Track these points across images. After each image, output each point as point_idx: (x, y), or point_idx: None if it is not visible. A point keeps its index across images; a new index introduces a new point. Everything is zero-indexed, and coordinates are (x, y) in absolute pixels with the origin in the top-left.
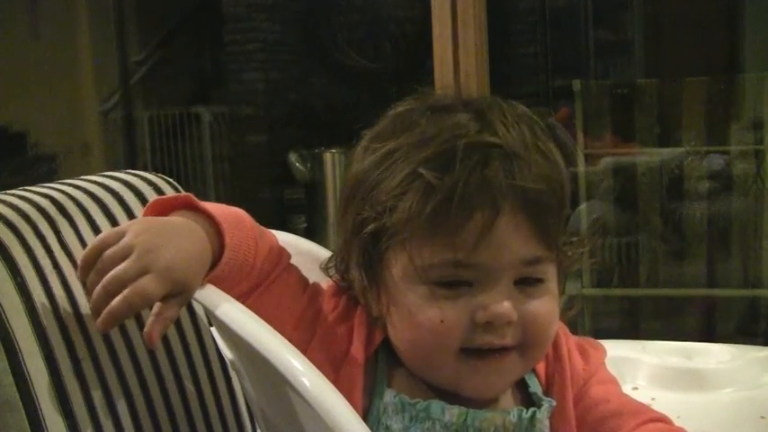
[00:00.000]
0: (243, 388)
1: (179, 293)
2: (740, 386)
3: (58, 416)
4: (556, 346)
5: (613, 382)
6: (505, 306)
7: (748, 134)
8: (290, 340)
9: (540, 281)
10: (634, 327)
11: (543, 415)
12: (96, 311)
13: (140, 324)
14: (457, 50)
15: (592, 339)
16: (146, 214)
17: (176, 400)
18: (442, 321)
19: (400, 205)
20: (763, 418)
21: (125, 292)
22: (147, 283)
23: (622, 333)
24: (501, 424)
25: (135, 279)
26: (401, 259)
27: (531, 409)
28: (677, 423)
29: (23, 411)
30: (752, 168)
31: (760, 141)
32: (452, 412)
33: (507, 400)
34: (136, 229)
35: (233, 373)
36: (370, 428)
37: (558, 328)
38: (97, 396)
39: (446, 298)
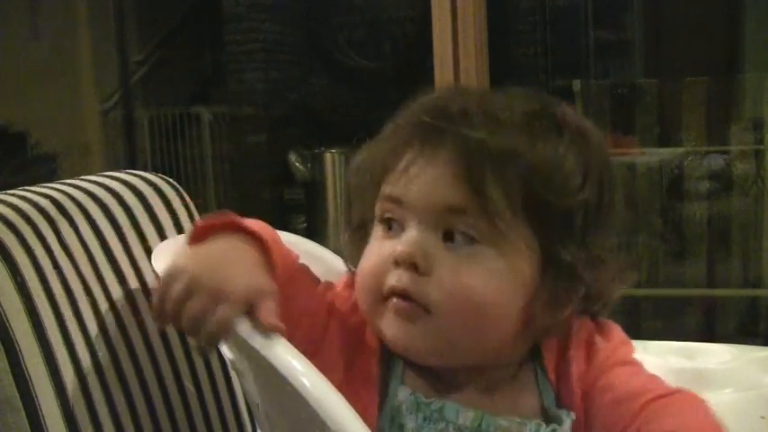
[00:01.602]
0: (243, 388)
1: (255, 303)
2: (740, 386)
3: (58, 416)
4: (564, 345)
5: (622, 362)
6: (410, 245)
7: (748, 134)
8: (306, 337)
9: (471, 239)
10: (634, 327)
11: (563, 430)
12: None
13: (141, 324)
14: (457, 50)
15: (608, 324)
16: (192, 239)
17: (176, 400)
18: (367, 260)
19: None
20: (763, 418)
21: (207, 327)
22: (224, 313)
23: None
24: None
25: (212, 312)
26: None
27: (552, 426)
28: None
29: (23, 411)
30: (752, 168)
31: (760, 141)
32: (467, 415)
33: (528, 406)
34: (194, 262)
35: (233, 373)
36: (383, 426)
37: (578, 324)
38: (97, 396)
39: (382, 240)
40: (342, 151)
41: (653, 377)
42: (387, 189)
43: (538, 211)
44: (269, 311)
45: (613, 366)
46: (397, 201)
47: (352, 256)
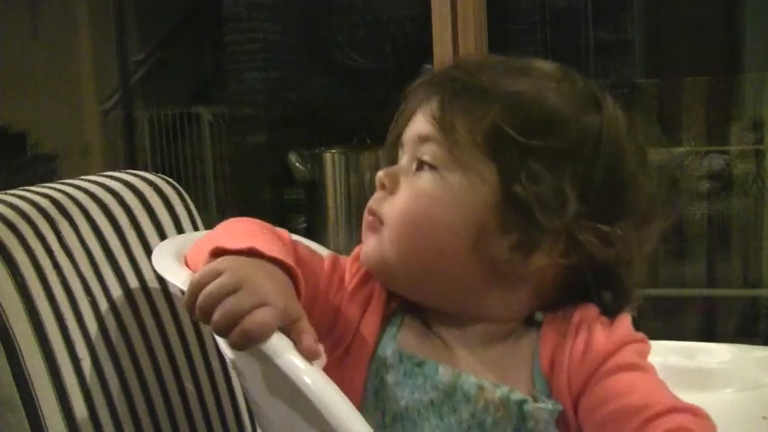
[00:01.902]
0: (243, 388)
1: (290, 323)
2: (741, 386)
3: (58, 416)
4: (564, 331)
5: (625, 367)
6: (384, 170)
7: (748, 134)
8: (321, 314)
9: (433, 167)
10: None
11: (538, 413)
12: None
13: (141, 324)
14: (457, 50)
15: (619, 317)
16: (210, 259)
17: (176, 400)
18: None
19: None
20: (763, 418)
21: (243, 324)
22: (265, 315)
23: None
24: (491, 398)
25: (250, 311)
26: None
27: (521, 397)
28: None
29: (23, 411)
30: (752, 168)
31: (760, 141)
32: (445, 372)
33: (511, 375)
34: (233, 265)
35: (233, 373)
36: (368, 378)
37: (582, 309)
38: (97, 396)
39: None
40: (342, 151)
41: (657, 387)
42: (396, 132)
43: (498, 146)
44: (311, 337)
45: (615, 372)
46: (401, 142)
47: None
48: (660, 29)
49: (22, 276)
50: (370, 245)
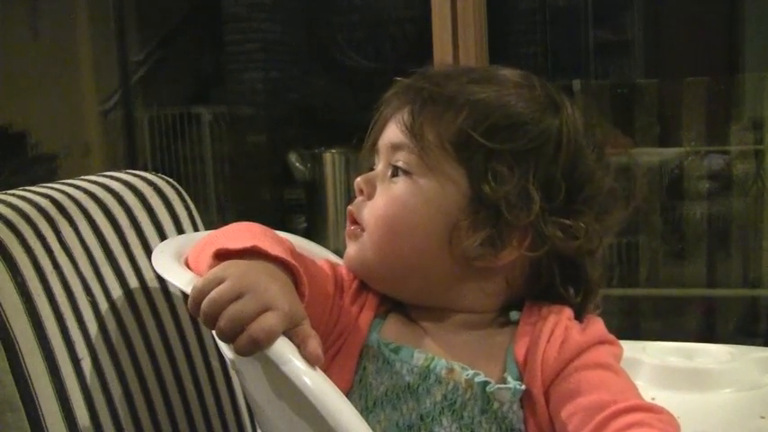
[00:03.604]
0: (243, 388)
1: (294, 326)
2: (740, 386)
3: (58, 416)
4: (540, 327)
5: (597, 365)
6: (362, 177)
7: (748, 134)
8: (323, 318)
9: (406, 172)
10: (634, 327)
11: (500, 394)
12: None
13: (141, 324)
14: (457, 50)
15: (591, 318)
16: (217, 257)
17: (176, 400)
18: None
19: None
20: (763, 418)
21: (249, 331)
22: (270, 321)
23: (622, 333)
24: (459, 380)
25: (255, 317)
26: None
27: (483, 379)
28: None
29: (23, 411)
30: (752, 168)
31: (760, 141)
32: (419, 356)
33: (484, 363)
34: (235, 271)
35: (233, 373)
36: (354, 369)
37: (558, 310)
38: (97, 396)
39: None
40: (342, 151)
41: (626, 387)
42: (371, 139)
43: (465, 150)
44: (315, 342)
45: (588, 368)
46: (376, 149)
47: None
48: (660, 29)
49: (22, 276)
50: (351, 250)
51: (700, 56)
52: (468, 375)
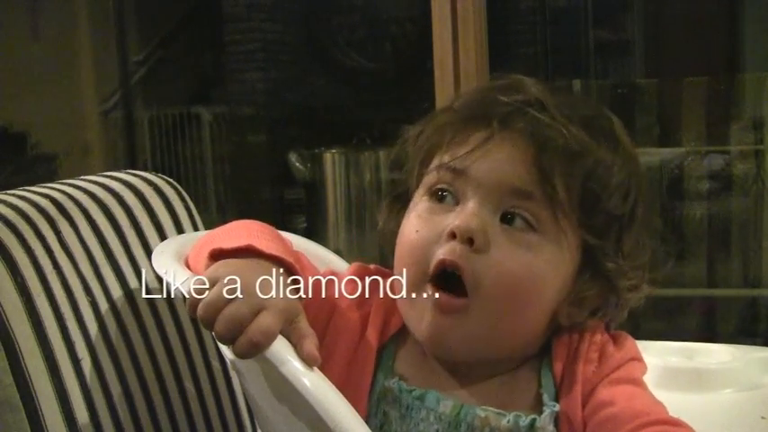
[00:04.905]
0: (243, 388)
1: (290, 323)
2: (740, 386)
3: (58, 416)
4: (576, 345)
5: (631, 381)
6: (470, 219)
7: (748, 134)
8: (319, 315)
9: (530, 227)
10: (634, 327)
11: (544, 422)
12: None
13: (141, 324)
14: (457, 50)
15: (623, 334)
16: (212, 257)
17: (176, 400)
18: (417, 231)
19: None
20: (763, 418)
21: (247, 334)
22: (265, 320)
23: None
24: (496, 426)
25: (251, 318)
26: (417, 177)
27: (531, 417)
28: None
29: (23, 411)
30: (752, 168)
31: (760, 141)
32: (446, 404)
33: (516, 399)
34: (229, 271)
35: (233, 373)
36: (369, 410)
37: (593, 326)
38: (97, 396)
39: (432, 212)
40: (342, 151)
41: (656, 403)
42: (448, 160)
43: (590, 211)
44: (312, 342)
45: (620, 382)
46: (460, 173)
47: (388, 224)
48: (660, 29)
49: (22, 276)
50: (448, 326)
51: (700, 56)
52: (509, 422)
